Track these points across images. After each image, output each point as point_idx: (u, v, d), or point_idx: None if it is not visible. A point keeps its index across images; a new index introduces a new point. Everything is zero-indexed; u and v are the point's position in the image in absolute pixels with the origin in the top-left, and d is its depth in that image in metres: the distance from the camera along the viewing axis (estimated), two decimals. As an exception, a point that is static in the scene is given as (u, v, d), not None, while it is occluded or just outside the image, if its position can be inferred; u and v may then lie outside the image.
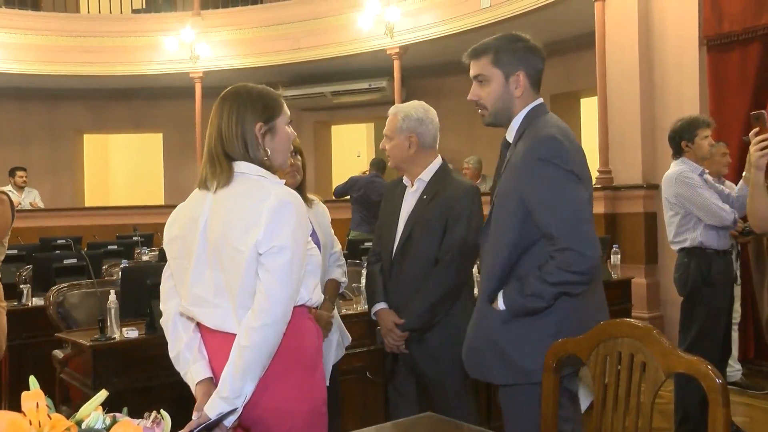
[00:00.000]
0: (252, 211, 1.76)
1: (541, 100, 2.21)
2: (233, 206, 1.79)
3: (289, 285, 1.77)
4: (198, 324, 1.89)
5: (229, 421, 1.74)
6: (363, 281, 3.33)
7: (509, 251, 2.11)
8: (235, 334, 1.78)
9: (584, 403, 2.22)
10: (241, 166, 1.83)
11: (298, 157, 2.80)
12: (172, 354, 1.90)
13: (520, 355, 2.08)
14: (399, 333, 2.74)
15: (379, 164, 7.75)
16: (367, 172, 7.77)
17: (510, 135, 2.19)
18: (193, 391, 1.85)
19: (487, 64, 2.16)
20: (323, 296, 2.18)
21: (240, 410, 1.75)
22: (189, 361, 1.85)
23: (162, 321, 1.95)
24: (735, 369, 4.85)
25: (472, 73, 2.21)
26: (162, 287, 1.96)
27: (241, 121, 1.84)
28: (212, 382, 1.83)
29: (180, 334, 1.88)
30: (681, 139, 3.93)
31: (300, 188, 2.69)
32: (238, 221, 1.77)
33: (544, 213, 2.03)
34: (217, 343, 1.84)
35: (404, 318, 2.74)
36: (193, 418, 1.77)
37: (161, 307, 1.96)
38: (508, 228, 2.11)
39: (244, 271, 1.75)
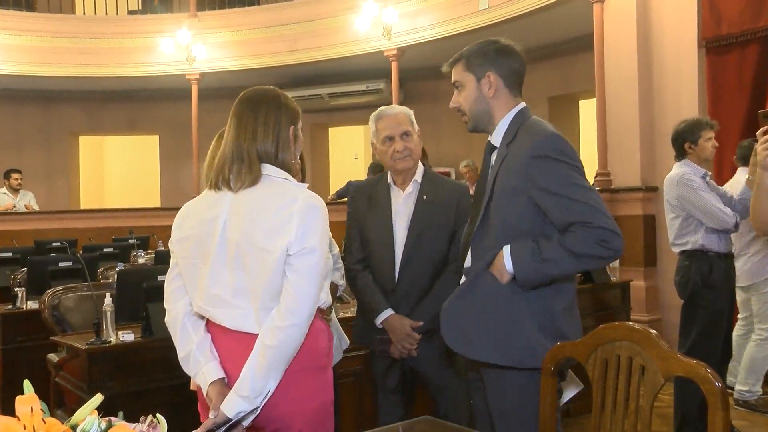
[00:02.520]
0: (280, 213, 1.79)
1: (524, 104, 2.20)
2: (259, 208, 1.81)
3: (316, 286, 1.81)
4: (208, 324, 1.90)
5: (247, 420, 1.77)
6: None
7: None
8: (252, 335, 1.80)
9: (566, 396, 2.19)
10: (267, 169, 1.86)
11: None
12: (181, 354, 1.90)
13: (529, 332, 2.01)
14: (417, 336, 2.69)
15: (375, 168, 7.71)
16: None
17: (496, 138, 2.18)
18: (204, 392, 1.85)
19: (461, 70, 2.20)
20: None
21: (259, 409, 1.77)
22: (201, 362, 1.85)
23: (168, 321, 1.95)
24: (754, 391, 4.50)
25: (452, 81, 2.25)
26: (168, 287, 1.96)
27: (278, 124, 1.89)
28: (224, 383, 1.84)
29: (190, 335, 1.88)
30: (684, 140, 3.91)
31: None
32: (265, 223, 1.79)
33: (565, 205, 1.99)
34: (230, 344, 1.85)
35: (417, 320, 2.69)
36: (210, 416, 1.78)
37: (167, 307, 1.95)
38: (521, 228, 2.06)
39: (272, 272, 1.78)
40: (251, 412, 1.76)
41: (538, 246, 2.00)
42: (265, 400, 1.78)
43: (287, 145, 1.90)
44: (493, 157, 2.19)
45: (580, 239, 1.96)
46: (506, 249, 2.02)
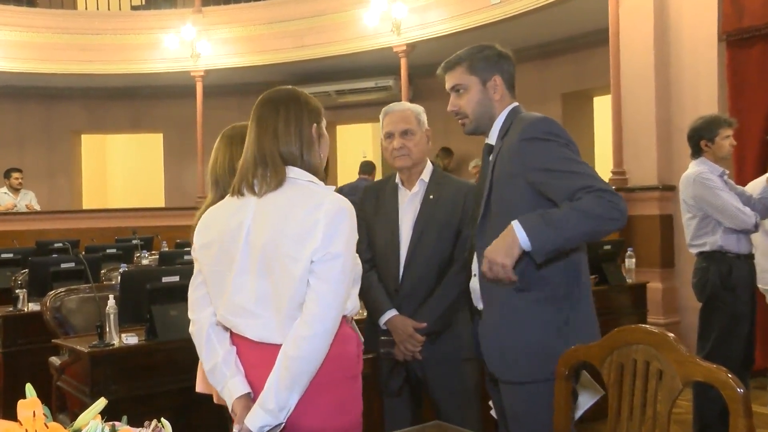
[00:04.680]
0: (306, 219, 1.74)
1: (517, 103, 2.28)
2: (284, 213, 1.76)
3: (340, 293, 1.75)
4: (232, 335, 1.86)
5: None
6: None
7: None
8: (275, 345, 1.76)
9: (582, 408, 2.17)
10: (292, 171, 1.81)
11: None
12: (206, 367, 1.87)
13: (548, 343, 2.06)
14: (420, 338, 2.67)
15: (366, 167, 7.66)
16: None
17: (492, 138, 2.24)
18: (230, 407, 1.83)
19: (463, 73, 2.24)
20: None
21: (284, 424, 1.74)
22: (226, 376, 1.82)
23: (193, 331, 1.92)
24: None
25: (448, 85, 2.28)
26: (191, 296, 1.92)
27: (299, 122, 1.85)
28: (250, 398, 1.81)
29: (215, 348, 1.85)
30: (700, 138, 3.84)
31: None
32: (292, 229, 1.74)
33: (563, 178, 2.02)
34: (254, 355, 1.81)
35: (422, 321, 2.67)
36: (234, 430, 1.77)
37: (191, 317, 1.92)
38: (520, 214, 2.05)
39: (298, 280, 1.73)
40: (276, 426, 1.72)
41: (546, 212, 2.01)
42: (289, 414, 1.73)
43: (311, 145, 1.85)
44: (491, 156, 2.26)
45: (587, 201, 1.97)
46: (515, 222, 2.00)
